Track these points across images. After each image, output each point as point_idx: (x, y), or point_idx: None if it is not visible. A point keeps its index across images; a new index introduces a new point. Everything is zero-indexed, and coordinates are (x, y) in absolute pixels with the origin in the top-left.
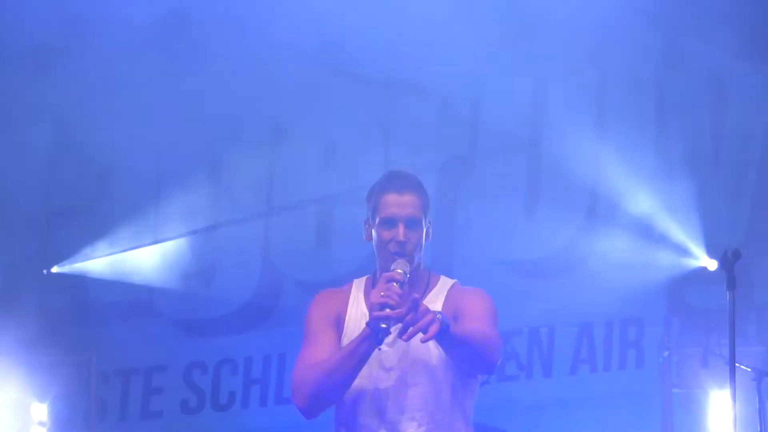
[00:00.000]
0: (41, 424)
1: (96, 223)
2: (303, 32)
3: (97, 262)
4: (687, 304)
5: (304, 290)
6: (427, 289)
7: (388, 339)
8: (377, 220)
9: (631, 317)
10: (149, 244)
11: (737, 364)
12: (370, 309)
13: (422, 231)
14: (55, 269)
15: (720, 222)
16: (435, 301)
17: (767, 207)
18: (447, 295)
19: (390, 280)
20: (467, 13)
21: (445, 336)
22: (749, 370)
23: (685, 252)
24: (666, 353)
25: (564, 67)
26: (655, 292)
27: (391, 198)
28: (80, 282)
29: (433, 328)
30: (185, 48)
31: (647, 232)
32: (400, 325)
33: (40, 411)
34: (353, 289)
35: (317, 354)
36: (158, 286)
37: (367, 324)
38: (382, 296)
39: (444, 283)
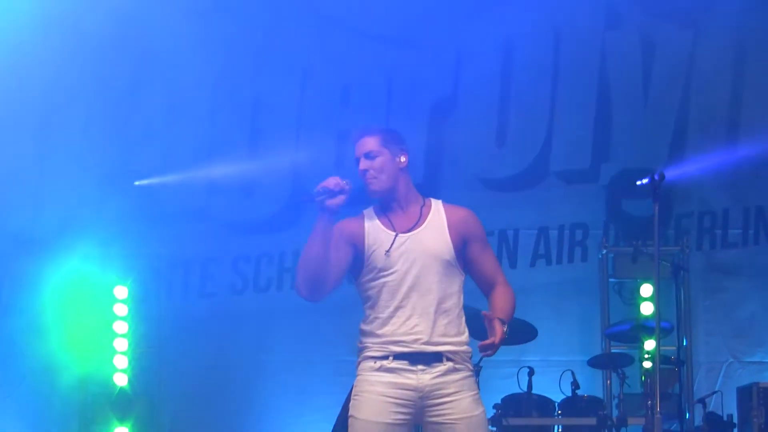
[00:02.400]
0: (123, 302)
1: (169, 146)
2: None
3: (169, 178)
4: (623, 212)
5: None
6: (423, 208)
7: (400, 249)
8: (354, 162)
9: (578, 222)
10: (206, 166)
11: (660, 260)
12: (316, 193)
13: (386, 157)
14: (137, 182)
15: (648, 150)
16: (440, 222)
17: (684, 139)
18: (447, 218)
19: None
20: None
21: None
22: (668, 264)
23: (621, 173)
24: (604, 251)
25: (528, 26)
26: (598, 203)
27: (356, 146)
28: (157, 192)
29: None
30: None
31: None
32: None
33: (122, 291)
34: (365, 215)
35: None
36: (213, 195)
37: (313, 200)
38: (321, 184)
39: (435, 204)
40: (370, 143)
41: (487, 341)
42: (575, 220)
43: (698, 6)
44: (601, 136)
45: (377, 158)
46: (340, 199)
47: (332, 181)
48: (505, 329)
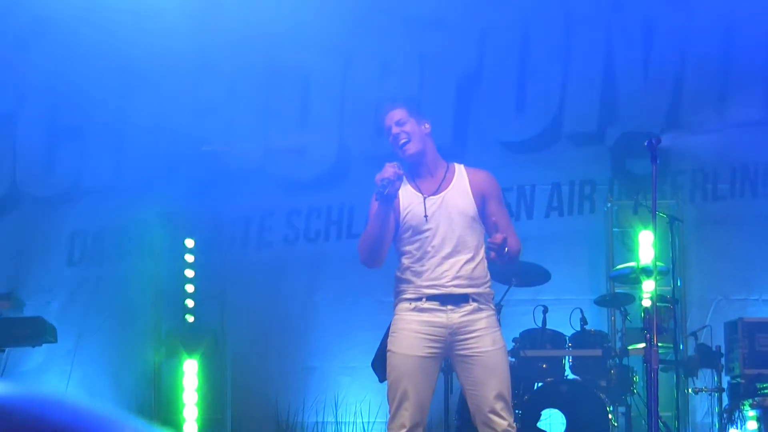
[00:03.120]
0: (191, 251)
1: (231, 117)
2: None
3: (230, 144)
4: (625, 170)
5: (368, 163)
6: (447, 172)
7: (431, 209)
8: (386, 132)
9: (587, 179)
10: (263, 134)
11: (657, 212)
12: (381, 186)
13: (413, 124)
14: (204, 148)
15: (648, 116)
16: (463, 184)
17: (679, 106)
18: (469, 180)
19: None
20: None
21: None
22: (665, 216)
23: (624, 136)
24: (609, 204)
25: (543, 9)
26: (603, 162)
27: (385, 117)
28: (220, 156)
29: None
30: None
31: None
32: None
33: (190, 242)
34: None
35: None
36: (269, 158)
37: (382, 195)
38: (380, 175)
39: (459, 168)
40: (399, 113)
41: (492, 240)
42: (584, 177)
43: None
44: (606, 103)
45: (407, 124)
46: (398, 184)
47: (390, 170)
48: (504, 241)
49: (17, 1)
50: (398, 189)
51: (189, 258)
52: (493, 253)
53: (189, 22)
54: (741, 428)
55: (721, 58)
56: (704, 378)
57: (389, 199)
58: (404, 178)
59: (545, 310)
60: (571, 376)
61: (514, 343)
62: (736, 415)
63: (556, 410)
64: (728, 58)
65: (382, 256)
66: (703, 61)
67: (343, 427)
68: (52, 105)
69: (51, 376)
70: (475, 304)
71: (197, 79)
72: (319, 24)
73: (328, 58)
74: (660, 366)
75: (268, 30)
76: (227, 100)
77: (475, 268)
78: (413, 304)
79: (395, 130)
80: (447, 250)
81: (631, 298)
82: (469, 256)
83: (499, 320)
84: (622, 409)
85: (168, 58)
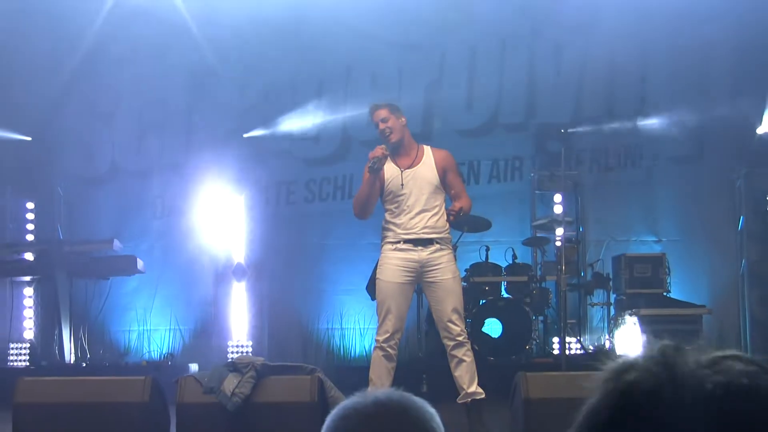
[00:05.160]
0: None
1: (265, 112)
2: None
3: (266, 131)
4: (544, 149)
5: (363, 146)
6: (418, 152)
7: (406, 179)
8: (375, 126)
9: (516, 156)
10: (288, 124)
11: (566, 179)
12: (374, 162)
13: (393, 120)
14: (245, 135)
15: (560, 112)
16: (429, 161)
17: (582, 106)
18: (434, 157)
19: (375, 155)
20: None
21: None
22: (571, 182)
23: (542, 125)
24: (533, 174)
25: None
26: (528, 144)
27: (373, 115)
28: (259, 139)
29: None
30: None
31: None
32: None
33: (239, 200)
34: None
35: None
36: (293, 142)
37: (374, 168)
38: (372, 153)
39: (426, 149)
40: (384, 112)
41: (451, 208)
42: (514, 154)
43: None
44: (530, 102)
45: (389, 120)
46: (384, 161)
47: (379, 151)
48: (460, 209)
49: (116, 29)
50: (384, 164)
51: (238, 213)
52: (452, 217)
53: (234, 35)
54: (623, 330)
55: (609, 69)
56: (598, 296)
57: (377, 171)
58: (388, 158)
59: (487, 249)
60: (505, 295)
61: (465, 273)
62: (620, 321)
63: (495, 319)
64: (614, 69)
65: (370, 210)
66: (597, 72)
67: (346, 331)
68: (140, 106)
69: (141, 297)
70: (438, 246)
71: (242, 86)
72: (328, 48)
73: (335, 72)
74: (567, 288)
75: (289, 46)
76: (264, 101)
77: (438, 220)
78: (394, 246)
79: (381, 126)
80: (418, 208)
81: (548, 240)
82: (433, 212)
83: (455, 256)
84: (541, 318)
85: (217, 69)
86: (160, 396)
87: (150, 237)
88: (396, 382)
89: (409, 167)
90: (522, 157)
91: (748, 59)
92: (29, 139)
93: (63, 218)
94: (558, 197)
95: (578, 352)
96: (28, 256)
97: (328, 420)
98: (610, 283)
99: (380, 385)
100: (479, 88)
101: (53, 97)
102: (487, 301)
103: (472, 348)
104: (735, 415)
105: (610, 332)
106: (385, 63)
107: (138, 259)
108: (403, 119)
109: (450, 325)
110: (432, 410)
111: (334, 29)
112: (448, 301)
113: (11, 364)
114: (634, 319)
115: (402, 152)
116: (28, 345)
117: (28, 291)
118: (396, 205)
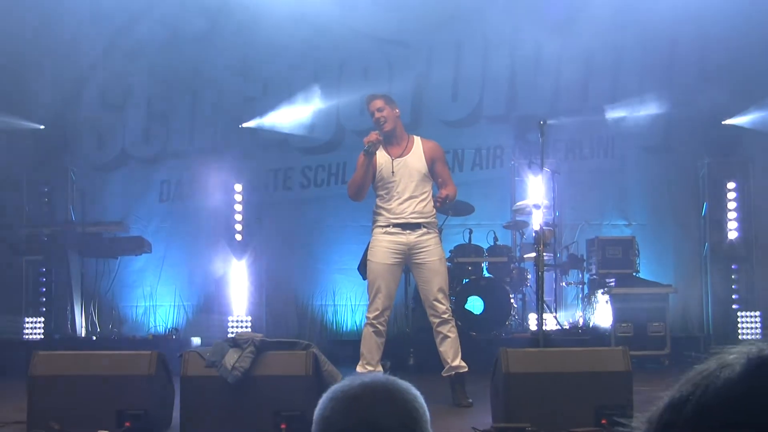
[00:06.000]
0: (239, 194)
1: (263, 105)
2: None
3: (264, 120)
4: (524, 139)
5: (355, 135)
6: (408, 142)
7: (397, 167)
8: (371, 114)
9: (498, 145)
10: (286, 115)
11: (543, 167)
12: (369, 146)
13: (388, 110)
14: (242, 125)
15: (538, 105)
16: (419, 151)
17: (559, 100)
18: (423, 148)
19: (370, 139)
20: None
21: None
22: (548, 170)
23: (522, 117)
24: (513, 162)
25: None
26: (509, 134)
27: (369, 105)
28: (257, 129)
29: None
30: None
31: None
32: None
33: (239, 186)
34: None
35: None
36: (291, 130)
37: (368, 151)
38: (367, 139)
39: (416, 140)
40: (379, 102)
41: (438, 196)
42: (496, 143)
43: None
44: (510, 96)
45: (384, 110)
46: (377, 146)
47: (373, 136)
48: (446, 196)
49: (121, 34)
50: (378, 148)
51: (238, 197)
52: (438, 203)
53: (235, 35)
54: (595, 307)
55: (585, 65)
56: (573, 275)
57: (371, 154)
58: (381, 147)
59: (470, 232)
60: (487, 274)
61: (450, 253)
62: (593, 299)
63: (477, 297)
64: (589, 66)
65: (363, 193)
66: (573, 68)
67: (338, 308)
68: (147, 98)
69: (148, 275)
70: (425, 230)
71: (241, 84)
72: (323, 44)
73: (330, 66)
74: (544, 268)
75: (287, 43)
76: (263, 95)
77: (425, 206)
78: (384, 229)
79: (377, 115)
80: (407, 194)
81: (526, 224)
82: (421, 198)
83: (440, 239)
84: (519, 296)
85: (219, 63)
86: (165, 369)
87: (156, 219)
88: (385, 356)
89: (399, 156)
90: (503, 146)
91: (712, 56)
92: (41, 127)
93: (75, 201)
94: (536, 183)
95: (554, 327)
96: (43, 237)
97: (320, 402)
98: (584, 263)
99: (371, 359)
100: (464, 82)
101: (68, 89)
102: (469, 280)
103: (456, 324)
104: None
105: (584, 309)
106: (376, 58)
107: (145, 240)
108: (397, 111)
109: (436, 303)
110: (415, 392)
111: (330, 26)
112: (434, 281)
113: (26, 337)
114: (606, 297)
115: (394, 141)
116: (42, 319)
117: (43, 269)
118: (386, 191)
